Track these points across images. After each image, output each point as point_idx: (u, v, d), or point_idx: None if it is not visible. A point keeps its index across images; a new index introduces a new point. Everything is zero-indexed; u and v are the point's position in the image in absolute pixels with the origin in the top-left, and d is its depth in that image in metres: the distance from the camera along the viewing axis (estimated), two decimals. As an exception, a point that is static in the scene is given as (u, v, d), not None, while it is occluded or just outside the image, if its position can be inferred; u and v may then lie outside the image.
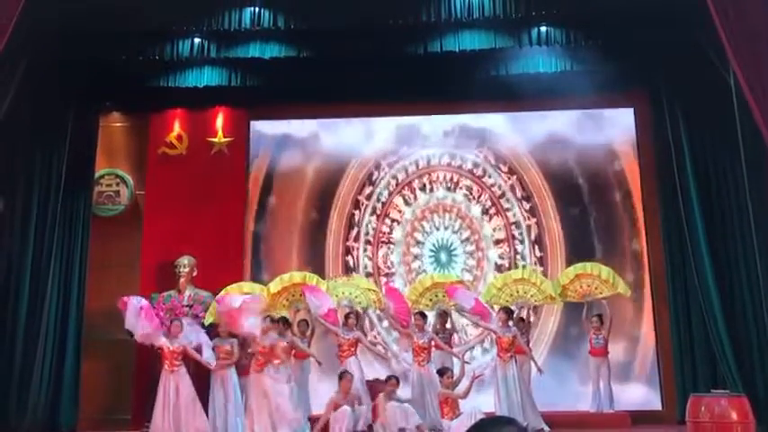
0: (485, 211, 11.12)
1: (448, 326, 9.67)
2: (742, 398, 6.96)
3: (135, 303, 8.80)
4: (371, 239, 11.20)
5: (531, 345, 9.72)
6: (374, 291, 9.80)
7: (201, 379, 8.97)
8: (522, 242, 10.99)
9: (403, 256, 11.12)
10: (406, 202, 11.27)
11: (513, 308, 9.35)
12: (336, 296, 9.57)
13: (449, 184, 11.25)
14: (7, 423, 9.02)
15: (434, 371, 8.67)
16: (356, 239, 11.19)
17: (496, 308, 9.36)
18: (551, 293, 9.59)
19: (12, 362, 9.25)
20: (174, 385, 8.53)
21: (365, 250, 11.16)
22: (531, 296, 9.60)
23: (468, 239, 11.08)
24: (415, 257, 11.10)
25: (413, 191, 11.29)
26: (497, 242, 11.02)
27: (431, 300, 9.68)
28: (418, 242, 11.15)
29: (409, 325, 9.21)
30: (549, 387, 9.62)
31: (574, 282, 9.69)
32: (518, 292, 9.59)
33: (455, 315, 9.80)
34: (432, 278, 9.93)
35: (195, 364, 8.97)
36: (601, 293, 9.64)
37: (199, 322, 9.62)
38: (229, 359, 8.86)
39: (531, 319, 10.17)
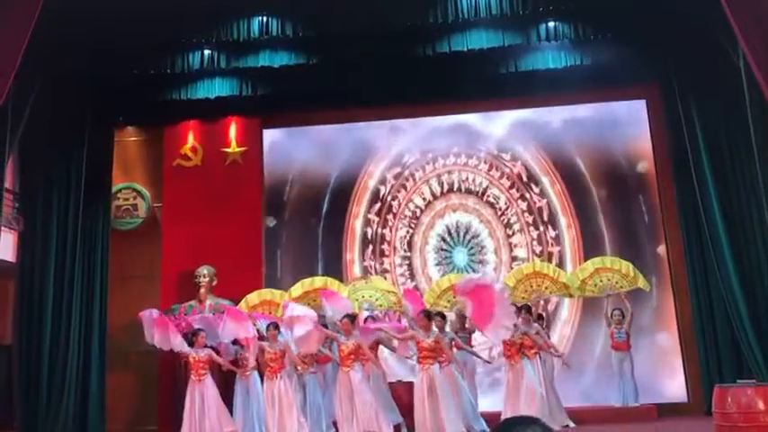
0: (500, 209, 11.09)
1: (467, 325, 9.64)
2: (769, 386, 6.88)
3: (148, 315, 8.94)
4: (388, 240, 11.22)
5: (553, 340, 9.68)
6: (393, 292, 9.79)
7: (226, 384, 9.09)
8: (538, 238, 10.94)
9: (419, 256, 11.12)
10: (422, 202, 11.27)
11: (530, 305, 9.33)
12: (357, 300, 9.58)
13: (463, 183, 11.24)
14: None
15: (439, 371, 8.43)
16: (373, 241, 11.22)
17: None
18: (565, 282, 9.53)
19: (39, 376, 9.38)
20: (201, 395, 8.58)
21: (382, 252, 11.18)
22: (546, 288, 9.56)
23: (485, 237, 11.06)
24: (431, 257, 11.11)
25: (428, 190, 11.29)
26: (515, 239, 10.99)
27: (448, 301, 9.65)
28: (434, 241, 11.14)
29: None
30: (574, 383, 9.59)
31: (593, 275, 9.60)
32: (532, 286, 9.56)
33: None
34: (449, 279, 9.88)
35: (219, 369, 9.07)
36: (621, 288, 9.56)
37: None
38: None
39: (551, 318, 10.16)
